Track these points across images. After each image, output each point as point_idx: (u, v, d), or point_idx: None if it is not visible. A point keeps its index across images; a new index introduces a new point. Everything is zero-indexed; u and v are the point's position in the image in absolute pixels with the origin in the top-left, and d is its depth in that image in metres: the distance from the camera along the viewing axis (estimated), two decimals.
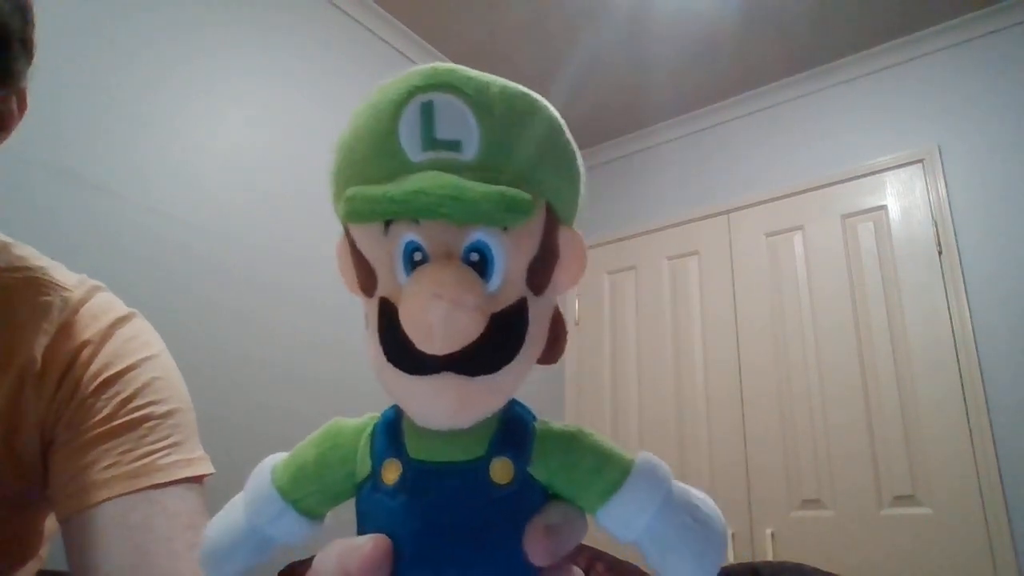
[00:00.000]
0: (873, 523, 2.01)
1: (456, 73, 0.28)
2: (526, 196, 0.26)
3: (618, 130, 2.87)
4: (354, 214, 0.27)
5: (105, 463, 0.52)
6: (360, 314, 0.29)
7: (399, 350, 0.27)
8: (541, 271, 0.29)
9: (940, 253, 2.10)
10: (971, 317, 2.01)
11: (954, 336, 2.02)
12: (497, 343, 0.27)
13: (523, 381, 0.29)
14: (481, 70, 0.29)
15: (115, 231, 1.49)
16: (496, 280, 0.27)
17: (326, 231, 1.92)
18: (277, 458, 0.32)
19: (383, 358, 0.27)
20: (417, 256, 0.27)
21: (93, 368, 0.56)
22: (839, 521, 2.06)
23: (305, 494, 0.30)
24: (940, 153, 2.19)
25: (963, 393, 1.96)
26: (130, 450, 0.54)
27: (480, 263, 0.27)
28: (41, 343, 0.55)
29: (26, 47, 0.56)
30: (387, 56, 2.31)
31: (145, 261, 1.53)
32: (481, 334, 0.26)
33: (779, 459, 2.21)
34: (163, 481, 0.53)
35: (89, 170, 1.48)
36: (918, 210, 2.18)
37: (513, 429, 0.29)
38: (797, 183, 2.44)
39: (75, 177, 1.45)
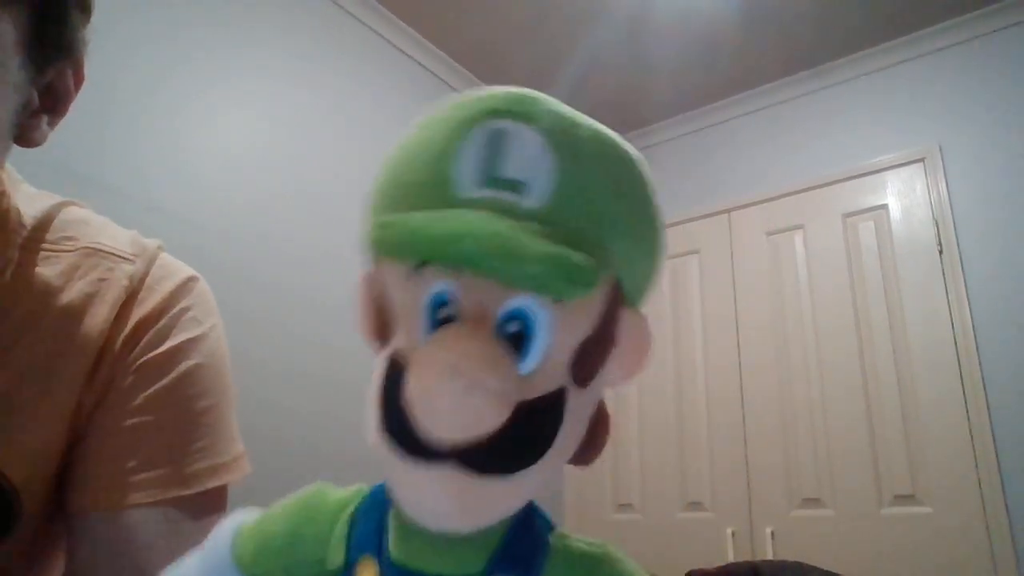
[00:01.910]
0: (873, 522, 2.01)
1: (541, 103, 0.24)
2: (591, 264, 0.21)
3: (618, 129, 2.73)
4: (382, 244, 0.22)
5: (126, 465, 0.48)
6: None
7: (399, 425, 0.21)
8: (591, 358, 0.24)
9: (941, 252, 2.10)
10: (972, 316, 2.00)
11: (954, 335, 2.01)
12: (520, 439, 0.21)
13: (544, 486, 0.23)
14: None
15: None
16: (533, 361, 0.22)
17: (326, 231, 1.93)
18: (243, 520, 0.27)
19: (379, 428, 0.22)
20: (443, 312, 0.22)
21: (138, 350, 0.51)
22: (839, 520, 2.06)
23: (267, 571, 0.26)
24: (941, 152, 2.19)
25: (963, 392, 1.96)
26: (153, 454, 0.49)
27: (517, 336, 0.22)
28: (105, 325, 0.50)
29: (84, 8, 0.47)
30: (388, 55, 2.31)
31: None
32: (502, 425, 0.21)
33: (779, 458, 2.21)
34: (183, 494, 0.49)
35: (90, 168, 1.48)
36: (919, 209, 2.18)
37: (522, 541, 0.24)
38: (798, 182, 2.44)
39: (75, 175, 1.45)
